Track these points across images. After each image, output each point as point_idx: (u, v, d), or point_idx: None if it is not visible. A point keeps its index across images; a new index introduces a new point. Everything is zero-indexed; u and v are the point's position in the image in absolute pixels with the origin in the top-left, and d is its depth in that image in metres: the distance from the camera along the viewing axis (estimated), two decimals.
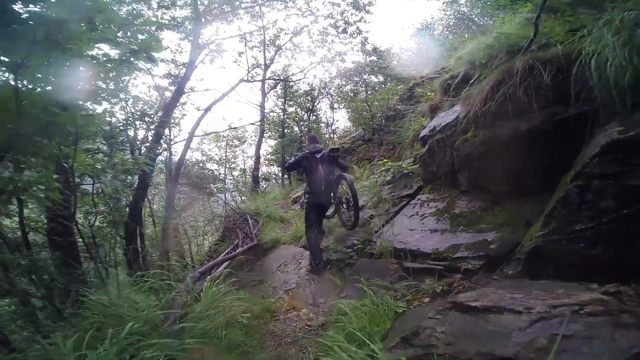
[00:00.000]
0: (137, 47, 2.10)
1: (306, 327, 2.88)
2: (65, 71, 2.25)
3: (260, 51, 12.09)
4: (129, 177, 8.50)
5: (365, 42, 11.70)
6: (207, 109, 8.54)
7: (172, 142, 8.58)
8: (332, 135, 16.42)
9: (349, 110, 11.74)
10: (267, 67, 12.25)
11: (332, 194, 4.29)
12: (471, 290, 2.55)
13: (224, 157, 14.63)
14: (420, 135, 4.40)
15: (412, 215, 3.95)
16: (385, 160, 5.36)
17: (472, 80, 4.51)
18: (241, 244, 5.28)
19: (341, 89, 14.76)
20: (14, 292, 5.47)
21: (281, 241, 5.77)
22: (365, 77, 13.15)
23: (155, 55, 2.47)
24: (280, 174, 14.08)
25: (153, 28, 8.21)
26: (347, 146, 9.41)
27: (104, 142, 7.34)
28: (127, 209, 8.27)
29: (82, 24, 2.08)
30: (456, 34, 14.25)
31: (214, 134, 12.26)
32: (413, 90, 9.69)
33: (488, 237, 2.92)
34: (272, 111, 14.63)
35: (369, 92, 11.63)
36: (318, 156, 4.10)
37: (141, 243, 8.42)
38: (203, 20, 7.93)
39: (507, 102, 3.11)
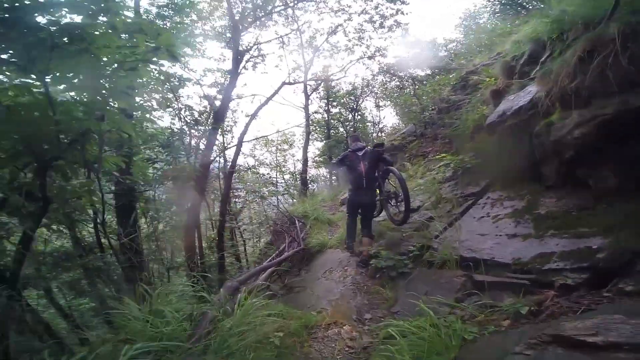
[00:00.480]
0: (157, 44, 1.93)
1: (347, 350, 2.46)
2: (97, 78, 2.15)
3: (299, 54, 12.00)
4: (186, 183, 8.99)
5: (406, 35, 10.90)
6: (254, 115, 8.62)
7: (225, 148, 8.81)
8: (379, 134, 15.72)
9: (396, 105, 11.02)
10: (307, 69, 12.11)
11: (376, 191, 4.07)
12: (571, 311, 1.91)
13: (274, 162, 14.89)
14: (487, 123, 3.70)
15: (482, 217, 3.30)
16: (443, 155, 4.69)
17: (543, 58, 3.75)
18: (287, 248, 5.05)
19: (386, 85, 14.04)
20: (92, 293, 5.97)
21: (328, 245, 5.42)
22: (410, 71, 12.34)
23: (187, 52, 2.30)
24: (327, 176, 13.84)
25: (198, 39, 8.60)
26: (397, 143, 8.75)
27: (162, 150, 7.81)
28: (186, 214, 8.72)
29: (104, 28, 1.97)
30: (505, 20, 12.90)
31: (262, 139, 12.46)
32: (467, 79, 8.72)
33: (592, 244, 2.21)
34: (317, 112, 14.48)
35: (416, 86, 10.79)
36: (360, 154, 3.92)
37: (199, 246, 8.81)
38: (240, 27, 8.04)
39: (605, 74, 2.38)
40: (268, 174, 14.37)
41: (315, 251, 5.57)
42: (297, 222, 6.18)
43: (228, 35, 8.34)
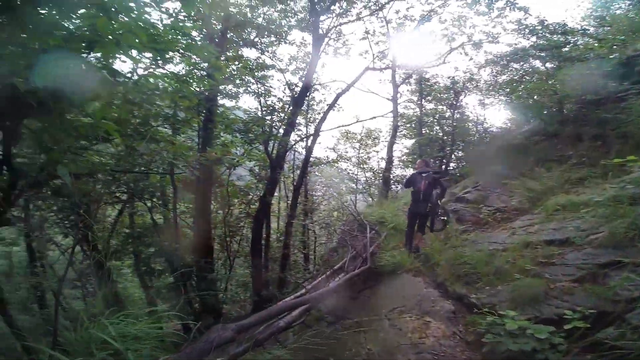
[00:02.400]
0: None
1: None
2: None
3: (385, 44, 10.19)
4: (262, 171, 8.45)
5: (527, 16, 7.96)
6: (334, 102, 7.48)
7: (307, 137, 7.91)
8: (484, 134, 12.63)
9: (517, 98, 8.25)
10: (395, 56, 10.23)
11: (429, 205, 4.44)
12: None
13: (356, 157, 13.49)
14: None
15: None
16: (632, 157, 2.51)
17: None
18: (347, 266, 3.67)
19: (496, 78, 11.02)
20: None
21: (405, 267, 3.84)
22: (531, 61, 9.27)
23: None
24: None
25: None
26: (517, 142, 6.36)
27: (238, 135, 7.35)
28: (258, 203, 8.19)
29: None
30: None
31: (342, 129, 11.23)
32: (632, 64, 5.90)
33: None
34: (408, 107, 12.46)
35: (550, 74, 7.90)
36: (424, 175, 4.40)
37: (266, 237, 8.22)
38: (319, 8, 6.94)
39: None
40: (348, 168, 13.18)
41: (386, 272, 4.07)
42: (368, 229, 4.73)
43: (305, 17, 7.46)
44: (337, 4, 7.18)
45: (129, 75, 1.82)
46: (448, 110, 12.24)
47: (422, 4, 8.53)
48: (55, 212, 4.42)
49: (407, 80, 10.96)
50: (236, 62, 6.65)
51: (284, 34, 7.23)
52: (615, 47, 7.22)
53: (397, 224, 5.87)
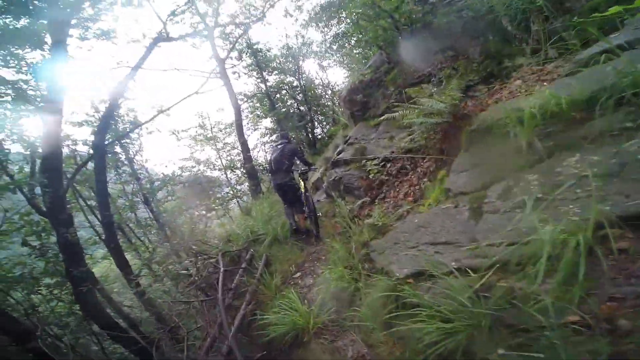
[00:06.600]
0: None
1: None
2: None
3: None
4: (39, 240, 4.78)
5: None
6: (114, 102, 4.46)
7: (81, 165, 4.53)
8: (333, 94, 11.92)
9: (355, 43, 7.24)
10: (211, 27, 7.78)
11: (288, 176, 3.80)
12: None
13: (219, 158, 10.56)
14: None
15: None
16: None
17: None
18: None
19: (325, 35, 10.19)
20: None
21: (312, 328, 1.88)
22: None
23: None
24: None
25: None
26: (368, 78, 5.11)
27: None
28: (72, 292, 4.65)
29: None
30: None
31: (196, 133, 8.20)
32: None
33: None
34: (250, 84, 10.41)
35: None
36: (278, 147, 3.79)
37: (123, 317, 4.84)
38: None
39: None
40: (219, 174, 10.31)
41: (284, 343, 2.00)
42: (221, 271, 2.45)
43: None
44: None
45: None
46: (295, 80, 10.88)
47: None
48: None
49: (231, 53, 8.66)
50: None
51: None
52: None
53: (275, 231, 3.76)
